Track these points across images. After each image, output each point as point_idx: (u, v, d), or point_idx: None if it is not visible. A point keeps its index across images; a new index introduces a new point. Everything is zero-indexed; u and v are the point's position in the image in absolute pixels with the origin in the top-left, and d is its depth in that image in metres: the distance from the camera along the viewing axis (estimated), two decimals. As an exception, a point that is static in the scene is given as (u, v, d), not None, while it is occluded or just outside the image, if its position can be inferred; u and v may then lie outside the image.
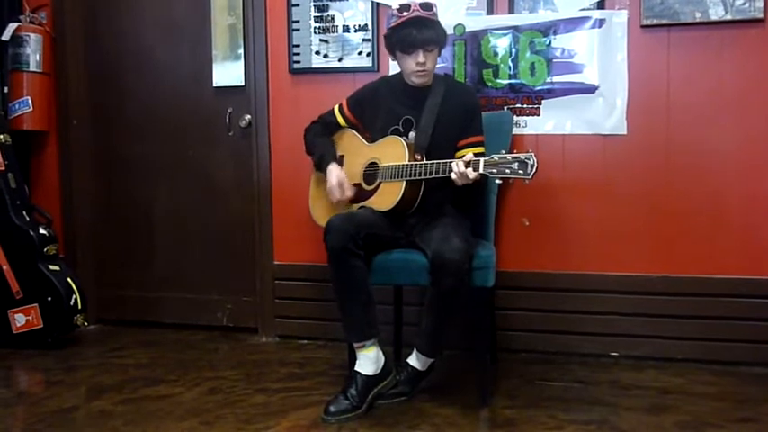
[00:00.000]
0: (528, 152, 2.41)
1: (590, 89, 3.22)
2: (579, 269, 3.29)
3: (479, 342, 2.77)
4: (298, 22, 3.57)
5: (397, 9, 2.73)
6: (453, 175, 2.53)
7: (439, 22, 2.77)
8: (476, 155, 2.64)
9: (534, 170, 2.39)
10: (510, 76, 3.30)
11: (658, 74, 3.17)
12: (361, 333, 2.67)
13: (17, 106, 3.84)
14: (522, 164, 2.40)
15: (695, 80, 3.14)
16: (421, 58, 2.72)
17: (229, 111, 3.77)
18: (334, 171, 2.88)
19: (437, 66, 3.16)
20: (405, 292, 3.25)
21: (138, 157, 3.98)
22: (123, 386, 2.98)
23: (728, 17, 3.05)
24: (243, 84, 3.72)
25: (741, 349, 3.12)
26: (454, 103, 2.82)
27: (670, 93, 3.16)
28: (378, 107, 2.92)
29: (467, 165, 2.50)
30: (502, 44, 3.30)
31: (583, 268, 3.28)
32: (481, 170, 2.46)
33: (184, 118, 3.88)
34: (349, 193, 2.87)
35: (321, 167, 2.95)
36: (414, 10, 2.69)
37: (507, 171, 2.43)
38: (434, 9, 2.74)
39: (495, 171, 2.45)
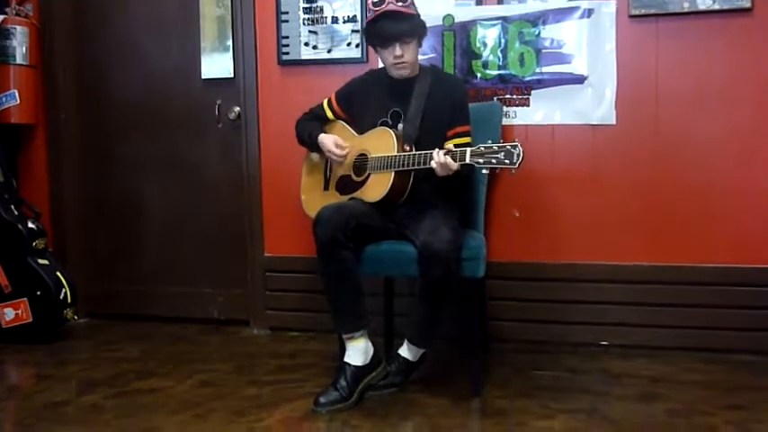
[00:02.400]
0: (514, 141, 2.42)
1: (579, 79, 3.22)
2: (569, 259, 3.30)
3: (470, 332, 2.77)
4: (287, 13, 3.55)
5: (372, 3, 2.74)
6: (433, 164, 2.53)
7: (415, 13, 2.76)
8: (462, 144, 2.67)
9: (520, 160, 2.39)
10: (499, 67, 3.30)
11: (647, 64, 3.17)
12: (351, 324, 2.68)
13: (4, 99, 3.81)
14: (508, 153, 2.40)
15: (684, 70, 3.14)
16: (398, 51, 2.72)
17: (218, 103, 3.75)
18: (325, 137, 2.91)
19: (426, 57, 3.17)
20: (396, 282, 3.25)
21: (126, 149, 3.97)
22: (114, 380, 2.98)
23: (716, 7, 3.06)
24: (232, 75, 3.70)
25: (730, 337, 3.14)
26: (441, 93, 2.82)
27: (659, 82, 3.17)
28: (366, 100, 2.92)
29: (448, 154, 2.50)
30: (491, 35, 3.30)
31: (573, 258, 3.29)
32: (467, 160, 2.47)
33: (173, 110, 3.86)
34: (347, 149, 2.87)
35: (313, 143, 2.95)
36: (388, 3, 2.69)
37: (493, 161, 2.43)
38: (409, 0, 2.74)
39: (481, 161, 2.46)
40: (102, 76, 3.98)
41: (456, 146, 2.66)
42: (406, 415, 2.55)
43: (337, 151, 2.86)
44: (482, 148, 2.46)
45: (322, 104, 3.05)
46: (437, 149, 2.56)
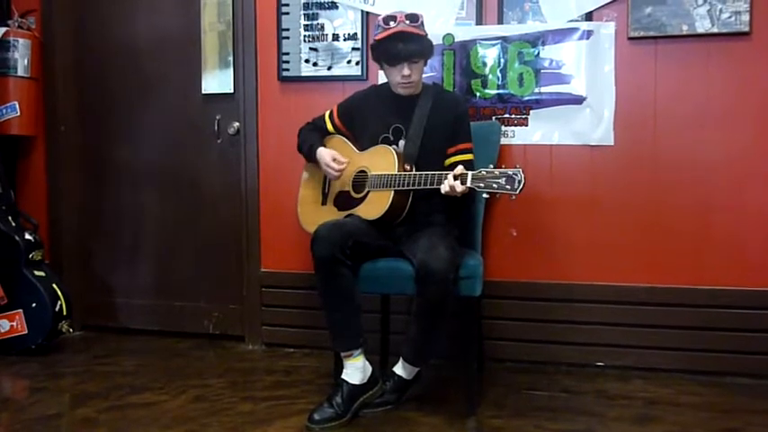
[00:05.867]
0: (516, 167, 2.42)
1: (578, 100, 3.23)
2: (566, 279, 3.29)
3: (466, 351, 2.77)
4: (287, 30, 3.57)
5: (383, 20, 2.75)
6: (443, 188, 2.53)
7: (425, 34, 2.77)
8: (465, 161, 2.67)
9: (521, 186, 2.39)
10: (498, 87, 3.32)
11: (645, 85, 3.19)
12: (349, 342, 2.67)
13: (4, 111, 3.81)
14: (510, 179, 2.41)
15: (682, 92, 3.16)
16: (406, 71, 2.74)
17: (218, 118, 3.76)
18: (324, 151, 2.91)
19: (426, 75, 3.18)
20: (392, 300, 3.25)
21: (125, 163, 3.97)
22: (108, 393, 2.96)
23: (715, 30, 3.08)
24: (232, 91, 3.71)
25: (727, 360, 3.13)
26: (442, 112, 2.83)
27: (657, 104, 3.18)
28: (367, 115, 2.93)
29: (455, 178, 2.50)
30: (491, 54, 3.32)
31: (570, 278, 3.29)
32: (468, 184, 2.47)
33: (173, 124, 3.88)
34: (344, 164, 2.88)
35: (311, 156, 2.96)
36: (399, 21, 2.71)
37: (494, 186, 2.43)
38: (420, 20, 2.76)
39: (482, 185, 2.45)
40: (103, 89, 3.99)
41: (458, 162, 2.65)
42: (400, 433, 2.54)
43: (335, 165, 2.86)
44: (483, 173, 2.46)
45: (324, 116, 3.07)
46: (447, 173, 2.55)
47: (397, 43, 2.70)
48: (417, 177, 2.64)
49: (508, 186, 2.41)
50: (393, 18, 2.73)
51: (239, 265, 3.76)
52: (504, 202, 3.29)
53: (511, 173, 2.41)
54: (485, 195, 2.51)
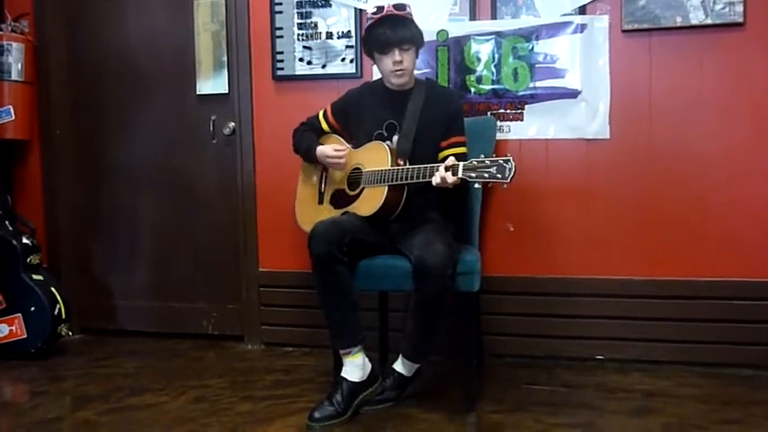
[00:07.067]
0: (506, 156, 2.42)
1: (573, 94, 3.23)
2: (564, 273, 3.29)
3: (465, 347, 2.77)
4: (281, 29, 3.57)
5: (371, 12, 2.78)
6: (434, 180, 2.53)
7: (413, 20, 2.79)
8: (458, 155, 2.67)
9: (512, 174, 2.39)
10: (493, 82, 3.31)
11: (640, 78, 3.19)
12: (348, 339, 2.67)
13: (-1, 115, 3.83)
14: (501, 168, 2.40)
15: (677, 84, 3.16)
16: (397, 57, 2.74)
17: (213, 118, 3.76)
18: (323, 148, 2.91)
19: (420, 72, 3.18)
20: (390, 297, 3.25)
21: (121, 165, 3.97)
22: (108, 396, 2.96)
23: (709, 21, 3.08)
24: (227, 91, 3.71)
25: (726, 351, 3.13)
26: (436, 106, 2.84)
27: (652, 97, 3.18)
28: (361, 112, 2.93)
29: (447, 169, 2.50)
30: (485, 50, 3.32)
31: (567, 272, 3.29)
32: (460, 174, 2.47)
33: (168, 126, 3.87)
34: (345, 150, 2.88)
35: (310, 156, 2.96)
36: (387, 10, 2.73)
37: (486, 175, 2.43)
38: (408, 9, 2.78)
39: (473, 175, 2.46)
40: (97, 91, 3.99)
41: (450, 156, 2.65)
42: (400, 430, 2.53)
43: (335, 153, 2.86)
44: (474, 163, 2.47)
45: (318, 115, 3.07)
46: (438, 164, 2.55)
47: (386, 29, 2.73)
48: (410, 171, 2.64)
49: (499, 175, 2.40)
50: (380, 9, 2.75)
51: (237, 265, 3.76)
52: (500, 196, 3.29)
53: (501, 161, 2.41)
54: (477, 185, 2.51)
